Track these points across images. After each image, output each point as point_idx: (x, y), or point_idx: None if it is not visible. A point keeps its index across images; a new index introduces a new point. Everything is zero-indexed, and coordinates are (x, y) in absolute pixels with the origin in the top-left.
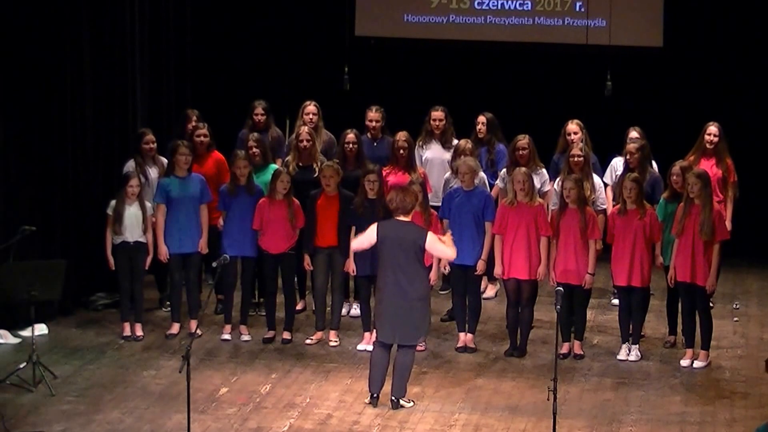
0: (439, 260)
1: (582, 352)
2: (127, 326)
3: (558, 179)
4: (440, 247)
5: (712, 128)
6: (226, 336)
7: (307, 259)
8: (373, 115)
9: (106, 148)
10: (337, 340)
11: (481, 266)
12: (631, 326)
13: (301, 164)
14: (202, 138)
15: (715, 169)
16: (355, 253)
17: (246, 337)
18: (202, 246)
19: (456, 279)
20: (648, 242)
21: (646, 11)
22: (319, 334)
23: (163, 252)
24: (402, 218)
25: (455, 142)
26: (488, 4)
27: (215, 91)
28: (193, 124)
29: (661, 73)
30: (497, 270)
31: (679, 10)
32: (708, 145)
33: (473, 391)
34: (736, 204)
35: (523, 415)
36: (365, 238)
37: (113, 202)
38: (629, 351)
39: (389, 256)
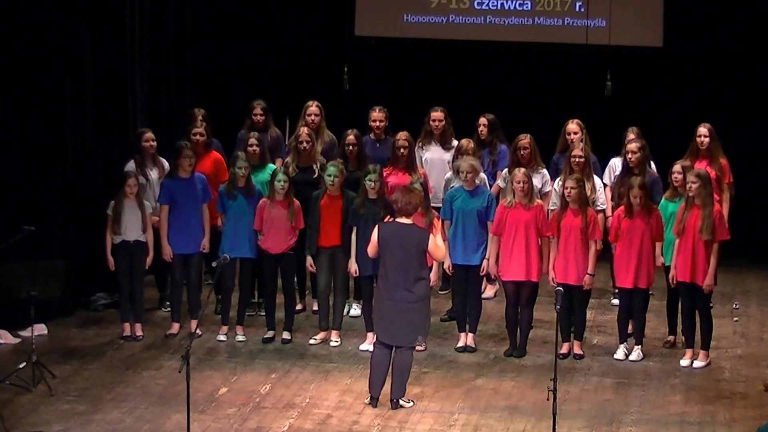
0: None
1: (582, 352)
2: (127, 326)
3: (558, 179)
4: (438, 252)
5: (702, 129)
6: (222, 337)
7: (309, 260)
8: (377, 115)
9: (106, 148)
10: (338, 340)
11: (486, 266)
12: (632, 326)
13: (300, 165)
14: (198, 137)
15: (708, 169)
16: (357, 253)
17: (241, 338)
18: (205, 245)
19: (457, 279)
20: (653, 243)
21: (646, 11)
22: (323, 334)
23: (168, 252)
24: (403, 220)
25: (455, 142)
26: (488, 4)
27: (215, 91)
28: (197, 123)
29: (661, 73)
30: (493, 270)
31: (679, 10)
32: (700, 146)
33: (473, 391)
34: (733, 204)
35: (523, 415)
36: (371, 245)
37: (112, 203)
38: (629, 351)
39: (391, 257)
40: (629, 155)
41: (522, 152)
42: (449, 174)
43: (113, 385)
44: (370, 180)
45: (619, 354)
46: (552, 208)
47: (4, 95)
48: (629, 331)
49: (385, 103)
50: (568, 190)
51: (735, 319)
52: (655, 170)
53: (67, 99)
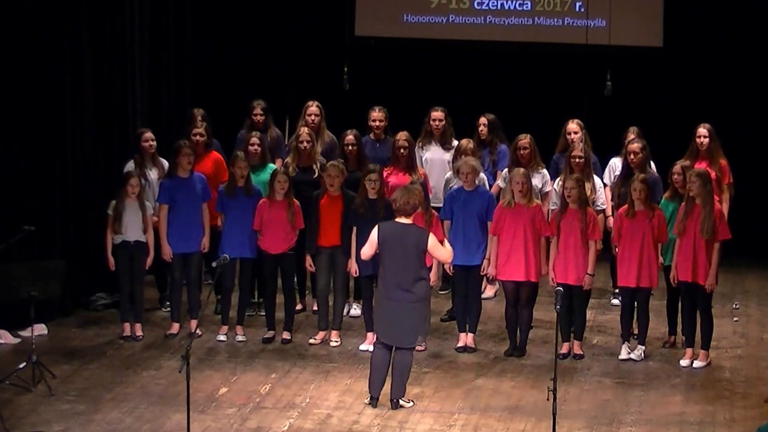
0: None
1: (582, 352)
2: (127, 326)
3: (558, 179)
4: (440, 251)
5: (701, 130)
6: (222, 337)
7: (308, 259)
8: (377, 115)
9: (106, 148)
10: (338, 340)
11: (486, 266)
12: (636, 326)
13: (300, 165)
14: (198, 137)
15: (708, 170)
16: (357, 253)
17: (241, 338)
18: (205, 244)
19: (457, 279)
20: (656, 243)
21: (646, 11)
22: (322, 334)
23: (168, 252)
24: (403, 220)
25: (455, 142)
26: (488, 4)
27: (215, 91)
28: (197, 123)
29: (661, 73)
30: (491, 271)
31: (679, 10)
32: (699, 147)
33: (473, 391)
34: (732, 204)
35: (523, 415)
36: (369, 244)
37: (113, 202)
38: (631, 350)
39: (390, 257)
40: (631, 156)
41: (522, 152)
42: (449, 174)
43: (113, 385)
44: (370, 180)
45: (623, 353)
46: (552, 208)
47: (4, 95)
48: (633, 331)
49: (385, 103)
50: (568, 190)
51: (735, 319)
52: (655, 170)
53: (67, 99)
